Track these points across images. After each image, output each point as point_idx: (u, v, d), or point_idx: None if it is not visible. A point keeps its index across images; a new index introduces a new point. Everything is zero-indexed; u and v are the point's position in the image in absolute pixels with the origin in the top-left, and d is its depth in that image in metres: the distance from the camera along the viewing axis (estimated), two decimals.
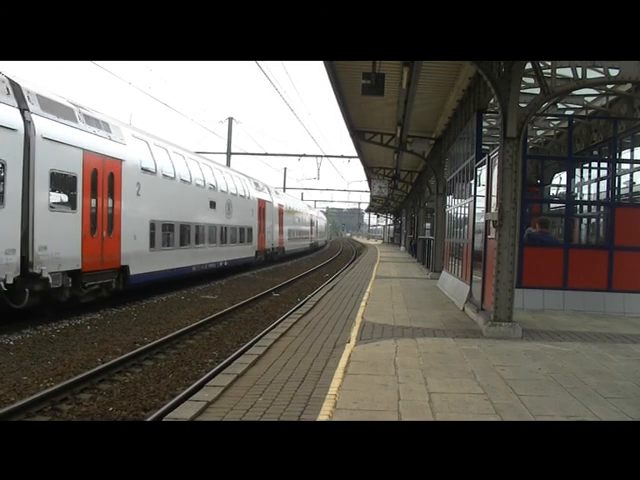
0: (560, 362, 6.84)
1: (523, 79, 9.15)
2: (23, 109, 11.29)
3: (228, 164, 38.39)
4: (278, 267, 31.72)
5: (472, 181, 11.97)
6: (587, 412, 4.97)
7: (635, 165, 13.34)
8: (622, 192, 13.16)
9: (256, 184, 30.30)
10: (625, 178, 13.48)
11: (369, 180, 36.63)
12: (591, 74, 8.68)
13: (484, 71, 8.44)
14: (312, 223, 52.26)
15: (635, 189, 13.72)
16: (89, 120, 13.71)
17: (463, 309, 11.13)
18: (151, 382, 8.23)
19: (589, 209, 13.79)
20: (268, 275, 26.11)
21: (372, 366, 6.46)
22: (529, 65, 8.63)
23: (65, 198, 12.67)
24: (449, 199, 17.63)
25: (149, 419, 6.42)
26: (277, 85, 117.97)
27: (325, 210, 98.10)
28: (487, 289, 9.45)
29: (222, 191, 23.10)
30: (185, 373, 8.77)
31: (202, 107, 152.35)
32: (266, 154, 45.91)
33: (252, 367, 6.56)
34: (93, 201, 13.47)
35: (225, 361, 8.78)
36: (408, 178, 31.39)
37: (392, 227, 74.04)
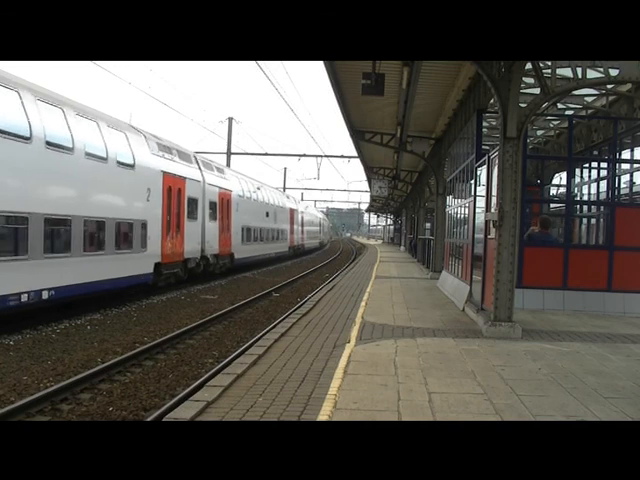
0: (560, 362, 6.84)
1: (523, 79, 9.14)
2: (200, 169, 21.35)
3: (228, 164, 38.45)
4: (278, 267, 31.73)
5: (472, 181, 11.97)
6: (587, 412, 4.97)
7: (635, 165, 13.34)
8: (622, 192, 13.16)
9: (287, 196, 43.56)
10: (625, 178, 13.49)
11: (369, 180, 36.61)
12: (591, 74, 8.67)
13: (484, 71, 8.44)
14: (320, 225, 63.82)
15: (635, 189, 13.72)
16: (217, 169, 24.31)
17: (463, 309, 11.13)
18: (151, 382, 8.23)
19: (589, 209, 13.79)
20: (268, 275, 26.12)
21: (372, 366, 6.46)
22: (529, 65, 8.62)
23: (213, 215, 22.45)
24: (449, 199, 17.62)
25: (149, 419, 6.42)
26: (277, 85, 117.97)
27: (325, 210, 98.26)
28: (487, 289, 9.45)
29: (271, 204, 33.91)
30: (185, 373, 8.77)
31: (202, 107, 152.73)
32: (266, 154, 45.87)
33: (252, 367, 6.56)
34: (221, 215, 23.39)
35: (225, 361, 8.78)
36: (408, 178, 31.37)
37: (392, 227, 74.03)
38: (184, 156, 19.96)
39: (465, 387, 5.69)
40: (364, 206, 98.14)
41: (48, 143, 11.94)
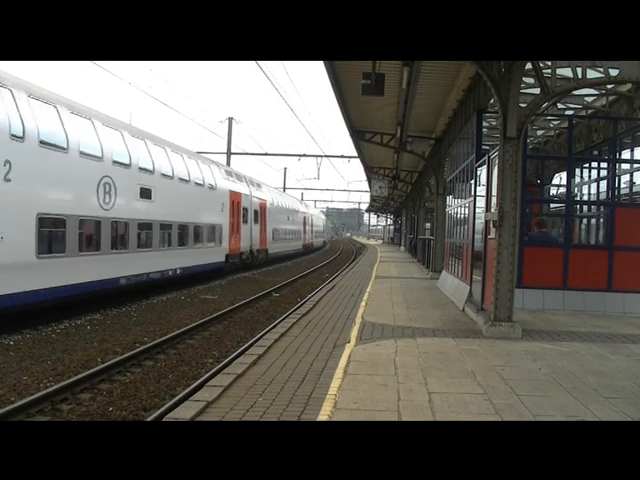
0: (560, 362, 6.84)
1: (523, 79, 9.14)
2: (248, 186, 28.44)
3: (228, 164, 38.45)
4: (278, 267, 31.74)
5: (472, 181, 11.97)
6: (587, 412, 4.97)
7: (635, 165, 13.34)
8: (622, 192, 13.16)
9: (300, 202, 53.80)
10: (625, 178, 13.48)
11: (369, 180, 36.63)
12: (591, 74, 8.68)
13: (484, 71, 8.44)
14: (324, 226, 73.93)
15: (635, 189, 13.72)
16: (257, 184, 31.43)
17: (463, 309, 11.13)
18: (151, 382, 8.23)
19: (589, 209, 13.79)
20: (268, 275, 26.12)
21: (372, 366, 6.46)
22: (529, 65, 8.63)
23: (256, 219, 29.33)
24: (449, 199, 17.62)
25: (149, 419, 6.42)
26: (277, 85, 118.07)
27: (325, 210, 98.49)
28: (487, 289, 9.45)
29: (290, 209, 41.98)
30: (185, 373, 8.77)
31: (202, 107, 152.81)
32: (266, 154, 45.88)
33: (252, 367, 6.56)
34: (261, 220, 30.44)
35: (225, 361, 8.78)
36: (408, 178, 31.38)
37: (392, 227, 74.07)
38: (239, 177, 27.87)
39: (465, 387, 5.69)
40: (364, 206, 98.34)
41: (179, 179, 19.13)
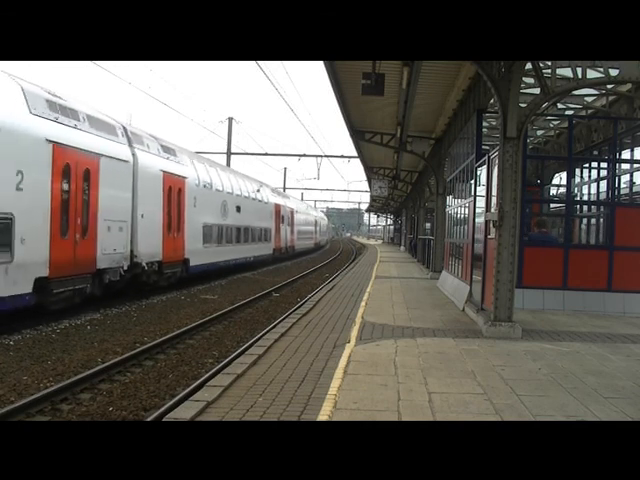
0: (560, 362, 6.84)
1: (523, 79, 9.14)
2: (283, 198, 40.44)
3: (228, 164, 38.50)
4: (278, 267, 31.76)
5: (472, 181, 11.97)
6: (587, 412, 4.97)
7: (635, 165, 13.34)
8: (622, 192, 13.17)
9: (311, 207, 64.85)
10: (625, 178, 13.49)
11: (369, 180, 36.65)
12: (591, 74, 8.68)
13: (484, 71, 8.44)
14: (327, 227, 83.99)
15: (635, 189, 13.72)
16: (287, 196, 44.98)
17: (463, 309, 11.13)
18: (151, 382, 8.22)
19: (589, 209, 13.79)
20: (268, 275, 26.12)
21: (372, 366, 6.46)
22: (529, 65, 8.63)
23: (288, 223, 38.79)
24: (449, 199, 17.63)
25: (149, 419, 6.41)
26: (277, 85, 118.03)
27: (325, 210, 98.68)
28: (487, 289, 9.45)
29: (307, 214, 51.87)
30: (185, 373, 8.76)
31: (202, 107, 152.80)
32: (266, 154, 45.92)
33: (252, 367, 6.56)
34: (290, 224, 39.77)
35: (225, 361, 8.77)
36: (408, 178, 31.38)
37: (392, 227, 74.11)
38: (278, 192, 38.35)
39: (465, 387, 5.69)
40: (364, 206, 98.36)
41: (251, 198, 28.28)
